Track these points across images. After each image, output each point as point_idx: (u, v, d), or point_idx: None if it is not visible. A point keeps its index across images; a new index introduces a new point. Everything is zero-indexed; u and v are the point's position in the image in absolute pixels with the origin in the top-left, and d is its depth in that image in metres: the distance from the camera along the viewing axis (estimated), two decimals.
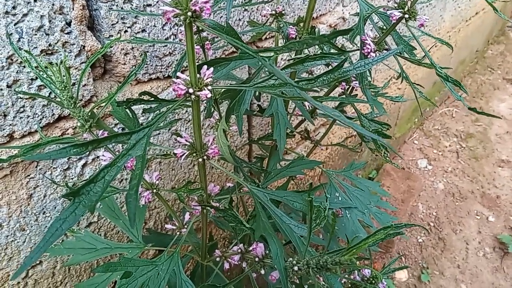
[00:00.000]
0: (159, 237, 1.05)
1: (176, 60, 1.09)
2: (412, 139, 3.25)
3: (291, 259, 0.61)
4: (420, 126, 3.39)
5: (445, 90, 3.55)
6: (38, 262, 1.00)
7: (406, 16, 0.73)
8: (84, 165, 0.99)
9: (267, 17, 0.99)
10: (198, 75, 0.58)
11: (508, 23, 4.87)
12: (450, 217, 2.60)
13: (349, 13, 1.69)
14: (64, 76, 0.57)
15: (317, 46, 1.04)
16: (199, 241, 0.96)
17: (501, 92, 3.79)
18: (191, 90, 0.57)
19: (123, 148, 1.04)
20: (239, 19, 1.22)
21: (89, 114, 0.62)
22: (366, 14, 0.74)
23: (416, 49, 0.85)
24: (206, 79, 0.58)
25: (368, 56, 0.75)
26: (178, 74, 0.58)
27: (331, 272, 0.50)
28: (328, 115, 0.44)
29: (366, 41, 0.75)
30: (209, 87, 0.58)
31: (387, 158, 0.80)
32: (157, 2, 0.97)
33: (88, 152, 0.96)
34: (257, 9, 1.26)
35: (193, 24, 0.52)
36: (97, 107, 0.60)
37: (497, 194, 2.73)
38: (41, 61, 0.60)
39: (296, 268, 0.58)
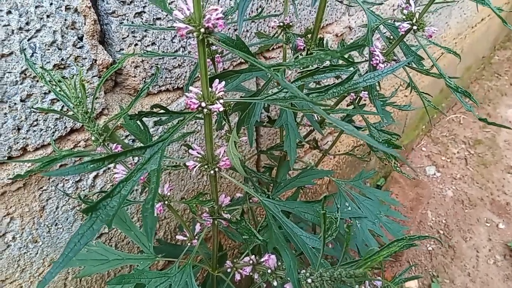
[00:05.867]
0: (169, 248, 1.06)
1: (186, 72, 1.10)
2: (420, 146, 3.24)
3: (304, 271, 0.61)
4: (427, 133, 3.37)
5: (452, 96, 3.54)
6: None
7: (415, 27, 0.73)
8: (95, 177, 1.00)
9: (275, 28, 1.00)
10: (210, 89, 0.59)
11: None
12: (460, 224, 2.58)
13: (355, 22, 1.70)
14: (79, 91, 0.58)
15: None
16: (209, 251, 0.96)
17: (509, 98, 3.77)
18: (203, 104, 0.57)
19: (133, 159, 1.06)
20: (247, 30, 1.23)
21: (103, 128, 0.63)
22: (374, 25, 0.74)
23: (424, 59, 0.85)
24: (218, 92, 0.59)
25: (377, 67, 0.75)
26: (191, 88, 0.59)
27: (345, 284, 0.50)
28: (340, 128, 0.44)
29: (374, 52, 0.75)
30: (221, 101, 0.59)
31: (397, 168, 0.80)
32: (166, 15, 0.98)
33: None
34: (264, 20, 1.28)
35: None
36: (111, 121, 0.61)
37: (506, 201, 2.71)
38: (55, 76, 0.61)
39: (309, 280, 0.58)
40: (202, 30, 0.50)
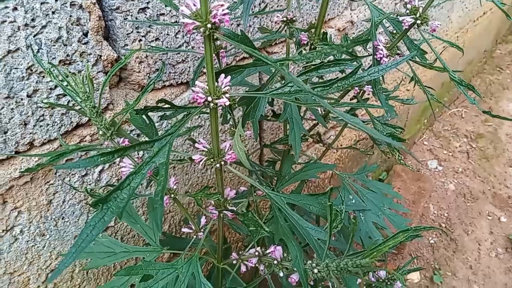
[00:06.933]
0: (175, 240, 1.07)
1: (189, 67, 1.11)
2: (422, 140, 3.25)
3: (310, 261, 0.62)
4: (429, 127, 3.38)
5: (454, 90, 3.54)
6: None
7: (418, 22, 0.74)
8: (101, 171, 1.01)
9: (278, 23, 1.00)
10: (216, 83, 0.60)
11: None
12: (462, 218, 2.59)
13: (357, 16, 1.70)
14: (86, 85, 0.59)
15: None
16: (214, 244, 0.97)
17: (511, 91, 3.77)
18: (210, 98, 0.58)
19: (138, 154, 1.06)
20: (250, 25, 1.24)
21: (110, 122, 0.64)
22: (378, 20, 0.75)
23: (427, 53, 0.86)
24: (224, 87, 0.60)
25: (381, 62, 0.76)
26: (197, 82, 0.60)
27: (352, 274, 0.51)
28: (347, 121, 0.45)
29: (378, 47, 0.76)
30: (227, 95, 0.60)
31: (401, 161, 0.81)
32: (170, 11, 0.99)
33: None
34: (267, 15, 1.28)
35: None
36: (118, 116, 0.62)
37: (508, 194, 2.72)
38: (63, 71, 0.62)
39: (316, 270, 0.59)
40: (209, 25, 0.51)
